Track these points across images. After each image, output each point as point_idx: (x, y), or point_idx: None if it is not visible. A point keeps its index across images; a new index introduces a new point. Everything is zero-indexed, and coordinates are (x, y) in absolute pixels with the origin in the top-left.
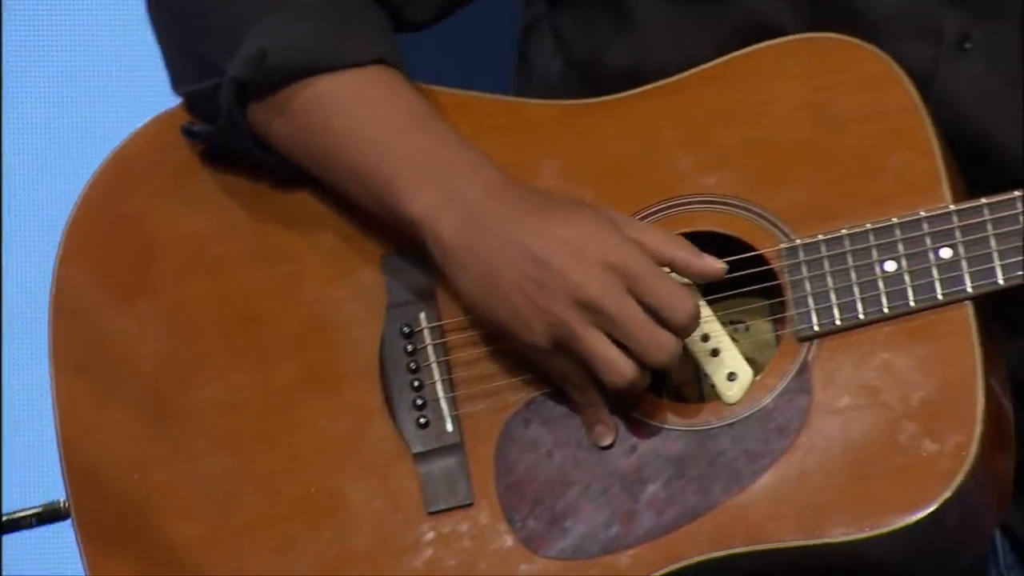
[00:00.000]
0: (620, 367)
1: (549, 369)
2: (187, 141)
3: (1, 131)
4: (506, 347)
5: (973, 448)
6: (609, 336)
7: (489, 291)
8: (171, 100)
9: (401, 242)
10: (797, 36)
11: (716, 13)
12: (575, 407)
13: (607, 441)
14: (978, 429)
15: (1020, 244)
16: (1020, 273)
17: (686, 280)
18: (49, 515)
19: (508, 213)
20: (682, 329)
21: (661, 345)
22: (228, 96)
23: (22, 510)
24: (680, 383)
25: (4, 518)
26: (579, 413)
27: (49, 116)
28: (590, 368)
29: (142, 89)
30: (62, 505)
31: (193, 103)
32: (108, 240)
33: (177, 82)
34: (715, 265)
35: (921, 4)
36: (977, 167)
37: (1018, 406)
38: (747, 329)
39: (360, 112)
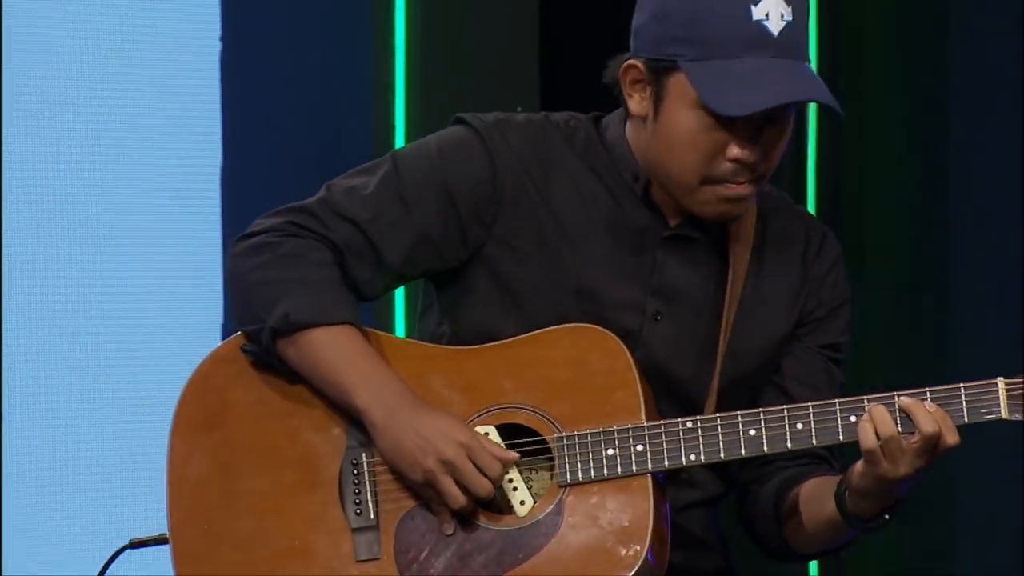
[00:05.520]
0: (457, 499)
1: (422, 492)
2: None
3: (1, 132)
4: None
5: (644, 552)
6: (455, 480)
7: (395, 451)
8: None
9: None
10: (577, 324)
11: (525, 309)
12: (435, 511)
13: (450, 531)
14: (647, 542)
15: (678, 446)
16: (679, 463)
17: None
18: (163, 539)
19: (409, 411)
20: (494, 479)
21: (482, 487)
22: (267, 337)
23: (152, 536)
24: (502, 504)
25: (136, 539)
26: (436, 515)
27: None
28: (441, 495)
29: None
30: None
31: (247, 335)
32: (204, 398)
33: (239, 324)
34: (510, 455)
35: (635, 296)
36: (671, 395)
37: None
38: (532, 479)
39: (335, 349)
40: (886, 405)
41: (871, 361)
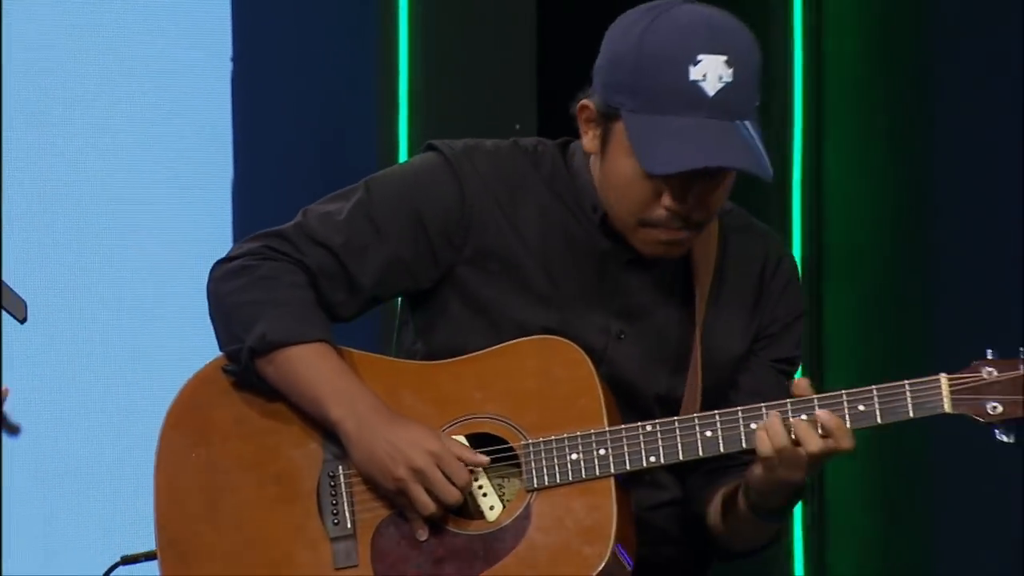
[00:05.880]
0: (428, 506)
1: (396, 501)
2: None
3: (1, 133)
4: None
5: (608, 551)
6: (425, 488)
7: (368, 461)
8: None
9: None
10: (542, 336)
11: (495, 328)
12: (409, 518)
13: (423, 537)
14: (611, 542)
15: (639, 449)
16: (640, 465)
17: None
18: (153, 555)
19: (381, 423)
20: (462, 486)
21: (450, 494)
22: (245, 356)
23: (142, 553)
24: (473, 510)
25: (127, 556)
26: (410, 522)
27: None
28: (413, 503)
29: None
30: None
31: (227, 355)
32: (189, 418)
33: (221, 344)
34: (480, 459)
35: (599, 317)
36: (633, 407)
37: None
38: (502, 485)
39: (310, 366)
40: (804, 410)
41: (856, 365)
